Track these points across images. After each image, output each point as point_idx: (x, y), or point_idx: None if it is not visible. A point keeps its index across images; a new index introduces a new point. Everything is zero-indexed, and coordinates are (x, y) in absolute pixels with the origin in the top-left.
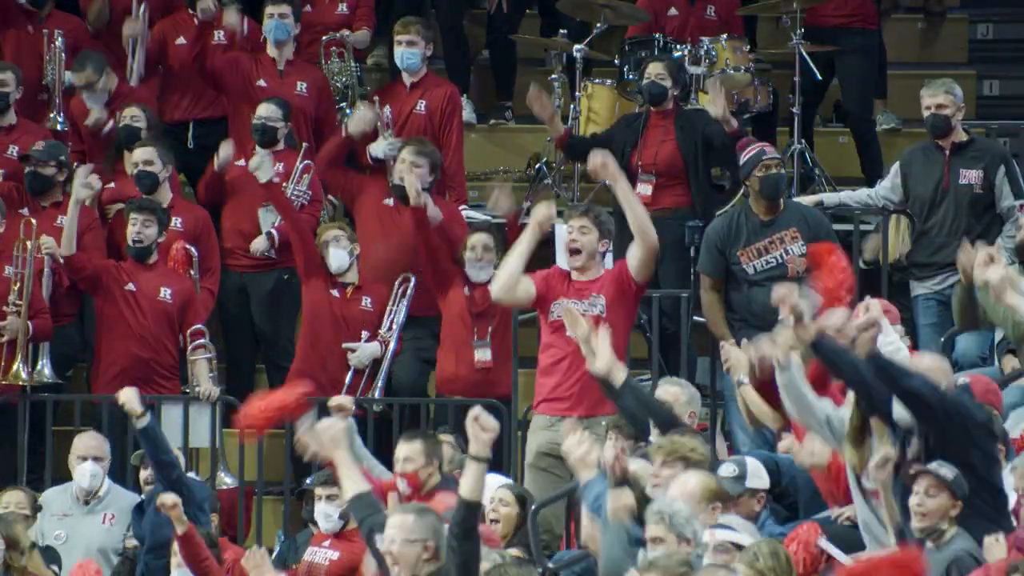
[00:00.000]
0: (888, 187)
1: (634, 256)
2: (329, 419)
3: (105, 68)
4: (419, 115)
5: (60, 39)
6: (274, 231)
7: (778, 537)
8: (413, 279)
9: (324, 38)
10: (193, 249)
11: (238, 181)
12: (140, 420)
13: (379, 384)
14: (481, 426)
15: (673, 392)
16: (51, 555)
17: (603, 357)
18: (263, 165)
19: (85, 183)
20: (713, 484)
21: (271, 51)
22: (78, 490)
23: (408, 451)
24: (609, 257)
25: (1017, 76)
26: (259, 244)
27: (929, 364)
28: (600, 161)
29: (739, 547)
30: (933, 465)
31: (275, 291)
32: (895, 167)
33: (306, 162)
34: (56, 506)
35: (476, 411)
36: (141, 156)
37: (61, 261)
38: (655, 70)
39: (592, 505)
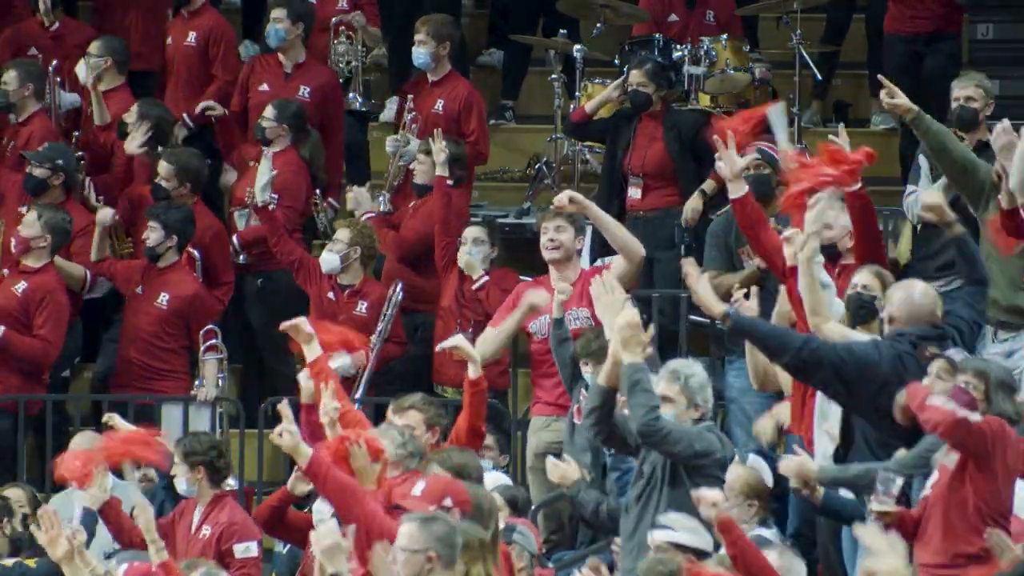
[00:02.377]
0: (929, 184)
1: (619, 271)
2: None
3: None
4: (437, 114)
5: (54, 65)
6: (234, 238)
7: (756, 538)
8: (400, 284)
9: (334, 19)
10: (196, 252)
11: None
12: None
13: (357, 394)
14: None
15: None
16: None
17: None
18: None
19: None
20: (753, 480)
21: (280, 55)
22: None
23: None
24: (586, 253)
25: (1017, 76)
26: None
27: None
28: (567, 198)
29: (681, 547)
30: (951, 351)
31: (252, 295)
32: (920, 161)
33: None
34: (69, 509)
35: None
36: (160, 170)
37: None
38: (636, 79)
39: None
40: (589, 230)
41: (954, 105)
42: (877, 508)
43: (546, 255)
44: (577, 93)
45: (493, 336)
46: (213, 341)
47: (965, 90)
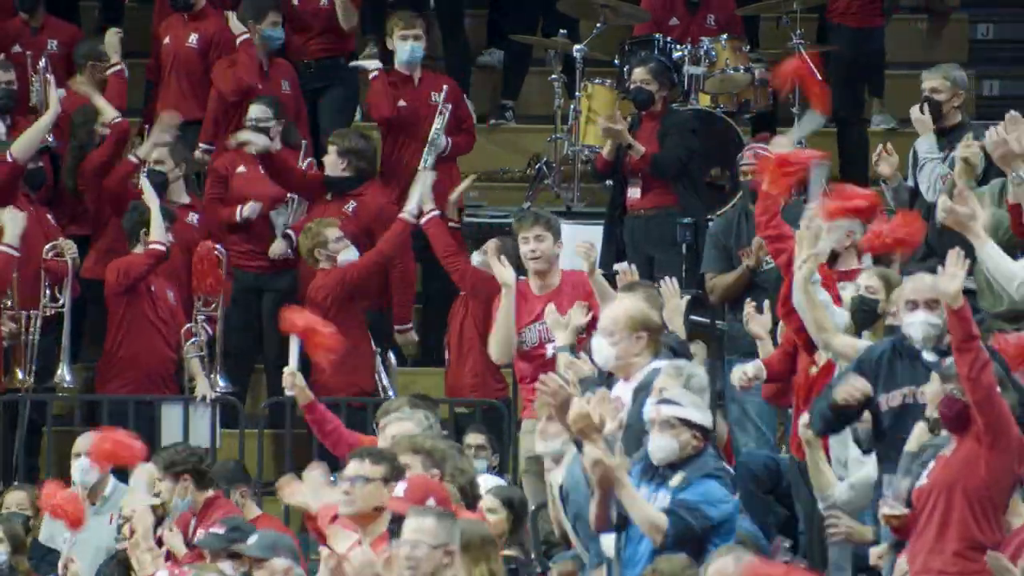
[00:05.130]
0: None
1: None
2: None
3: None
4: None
5: (45, 60)
6: (291, 232)
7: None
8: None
9: None
10: (220, 248)
11: (246, 182)
12: None
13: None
14: None
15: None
16: (54, 558)
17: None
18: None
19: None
20: (642, 313)
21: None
22: (82, 490)
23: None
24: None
25: (1017, 76)
26: (277, 248)
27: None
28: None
29: (686, 423)
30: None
31: (289, 291)
32: (917, 145)
33: (309, 159)
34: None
35: None
36: (154, 155)
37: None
38: (639, 76)
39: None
40: (600, 231)
41: (923, 96)
42: (888, 512)
43: (528, 265)
44: (577, 93)
45: (496, 339)
46: (192, 340)
47: (931, 82)
